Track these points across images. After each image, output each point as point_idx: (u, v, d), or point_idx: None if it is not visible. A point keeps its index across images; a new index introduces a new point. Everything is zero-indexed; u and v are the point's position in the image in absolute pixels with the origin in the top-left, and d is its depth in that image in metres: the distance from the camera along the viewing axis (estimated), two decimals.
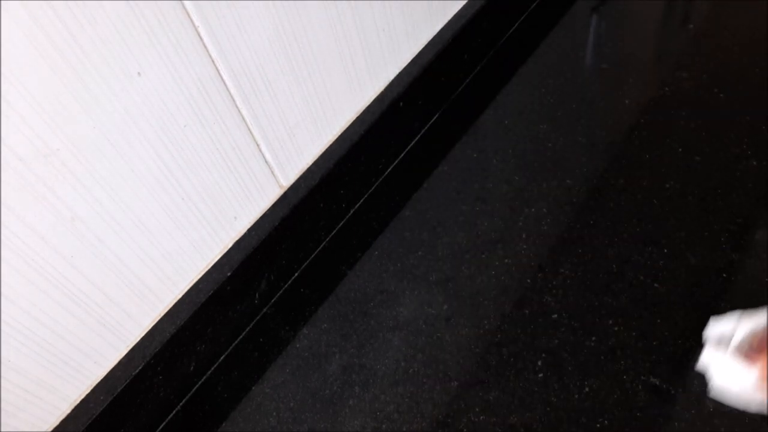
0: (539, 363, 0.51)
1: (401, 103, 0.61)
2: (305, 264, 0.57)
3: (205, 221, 0.49)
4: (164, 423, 0.49)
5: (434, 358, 0.54)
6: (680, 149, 0.62)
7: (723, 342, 0.46)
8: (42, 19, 0.34)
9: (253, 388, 0.56)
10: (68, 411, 0.44)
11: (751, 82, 0.66)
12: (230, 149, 0.48)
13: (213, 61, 0.44)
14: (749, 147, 0.60)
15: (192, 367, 0.50)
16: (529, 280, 0.57)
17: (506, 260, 0.59)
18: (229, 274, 0.50)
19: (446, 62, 0.66)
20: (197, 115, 0.44)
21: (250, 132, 0.49)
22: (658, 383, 0.48)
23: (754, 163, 0.59)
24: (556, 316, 0.54)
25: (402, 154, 0.65)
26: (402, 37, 0.61)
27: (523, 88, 0.75)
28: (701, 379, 0.47)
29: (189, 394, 0.51)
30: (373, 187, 0.62)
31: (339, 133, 0.58)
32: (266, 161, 0.52)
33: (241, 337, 0.53)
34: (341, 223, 0.60)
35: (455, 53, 0.66)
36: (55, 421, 0.44)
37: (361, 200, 0.62)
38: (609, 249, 0.57)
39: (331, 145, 0.57)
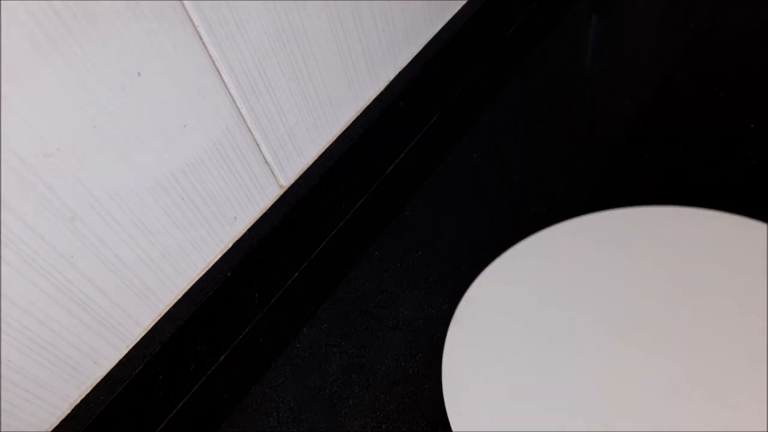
0: None
1: (401, 103, 0.61)
2: (305, 264, 0.57)
3: (205, 221, 0.49)
4: (164, 423, 0.49)
5: (434, 358, 0.54)
6: (680, 149, 0.62)
7: None
8: (42, 19, 0.34)
9: (253, 388, 0.56)
10: (68, 411, 0.44)
11: (751, 82, 0.66)
12: (230, 149, 0.48)
13: (213, 61, 0.44)
14: (749, 147, 0.60)
15: (192, 367, 0.50)
16: None
17: None
18: (229, 274, 0.50)
19: (446, 62, 0.65)
20: (197, 115, 0.44)
21: (250, 132, 0.49)
22: None
23: (755, 162, 0.59)
24: None
25: (402, 154, 0.65)
26: (402, 37, 0.61)
27: (523, 88, 0.75)
28: None
29: (189, 394, 0.50)
30: (373, 187, 0.62)
31: (339, 133, 0.58)
32: (266, 161, 0.52)
33: (241, 337, 0.53)
34: (341, 223, 0.60)
35: (455, 53, 0.66)
36: (55, 421, 0.44)
37: (361, 200, 0.62)
38: None
39: (331, 145, 0.57)
